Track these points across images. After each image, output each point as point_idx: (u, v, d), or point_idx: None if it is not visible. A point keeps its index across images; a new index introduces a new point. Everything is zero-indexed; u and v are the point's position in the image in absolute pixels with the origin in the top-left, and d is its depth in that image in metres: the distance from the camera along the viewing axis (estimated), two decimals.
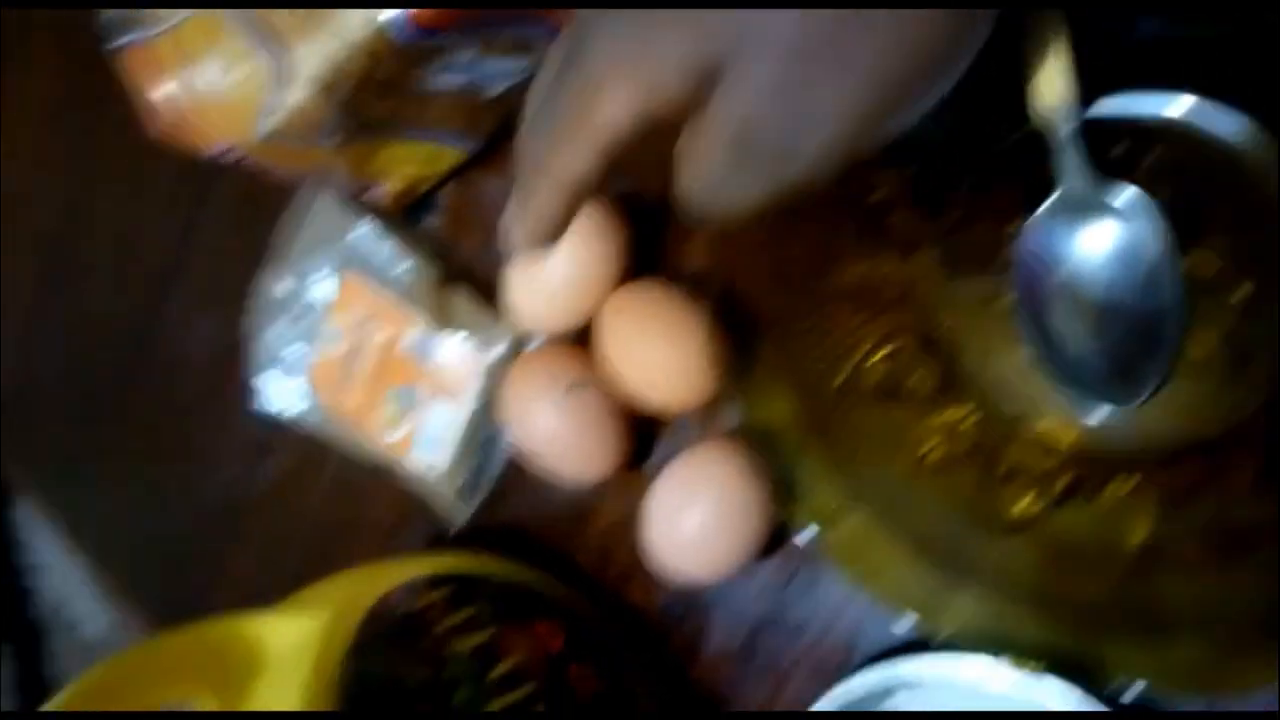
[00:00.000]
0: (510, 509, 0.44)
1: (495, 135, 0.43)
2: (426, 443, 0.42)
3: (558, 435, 0.38)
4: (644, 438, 0.41)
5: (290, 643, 0.35)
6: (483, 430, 0.42)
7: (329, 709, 0.32)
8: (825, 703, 0.36)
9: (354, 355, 0.42)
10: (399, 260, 0.43)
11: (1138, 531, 0.33)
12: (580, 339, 0.40)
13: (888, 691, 0.36)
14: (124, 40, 0.36)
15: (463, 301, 0.42)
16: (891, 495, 0.35)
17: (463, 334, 0.41)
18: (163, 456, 0.55)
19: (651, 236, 0.40)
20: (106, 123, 0.55)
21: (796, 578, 0.38)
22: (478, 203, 0.45)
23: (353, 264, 0.44)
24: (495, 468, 0.44)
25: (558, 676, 0.38)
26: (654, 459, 0.41)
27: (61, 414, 0.60)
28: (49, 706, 0.31)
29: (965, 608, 0.33)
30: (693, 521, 0.36)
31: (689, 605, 0.40)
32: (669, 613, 0.40)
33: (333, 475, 0.49)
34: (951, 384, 0.35)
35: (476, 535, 0.45)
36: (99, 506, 0.59)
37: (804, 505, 0.35)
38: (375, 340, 0.42)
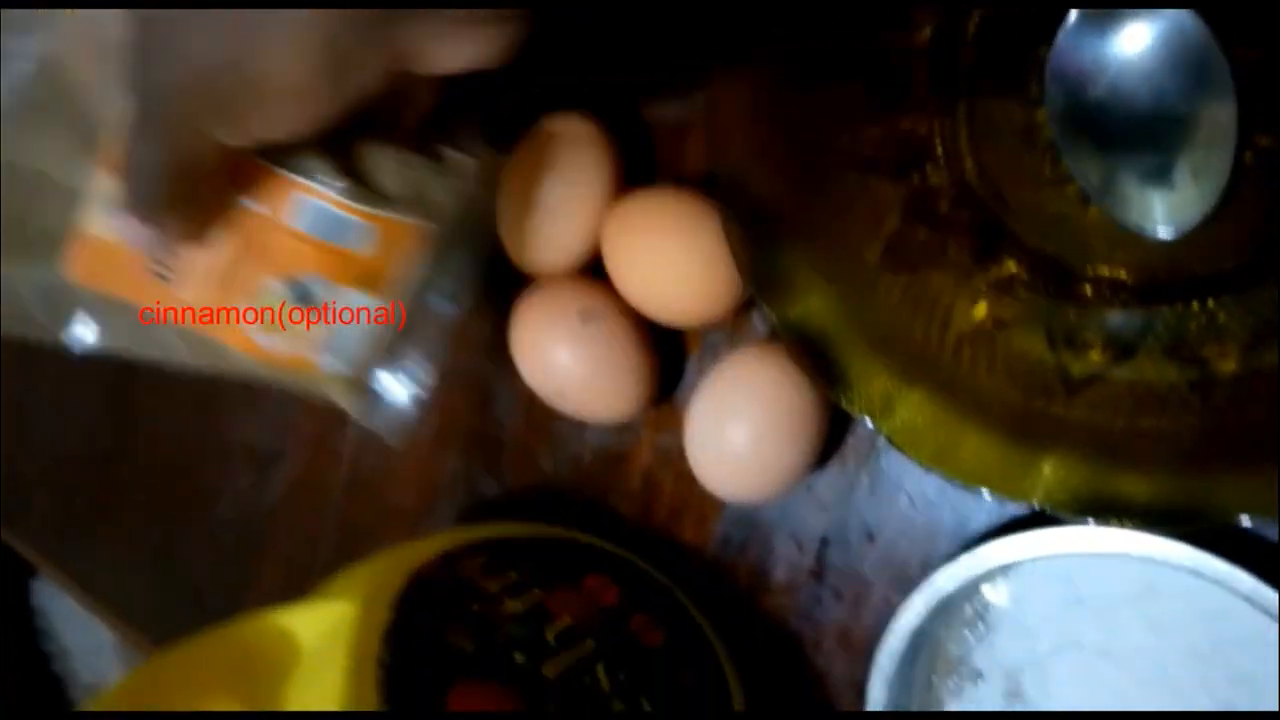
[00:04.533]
0: (538, 469, 0.41)
1: None
2: (341, 346, 0.31)
3: (579, 370, 0.35)
4: (671, 365, 0.38)
5: (323, 630, 0.32)
6: (422, 299, 0.33)
7: (374, 691, 0.29)
8: (912, 608, 0.32)
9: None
10: None
11: (1227, 362, 0.30)
12: (587, 272, 0.37)
13: (978, 584, 0.33)
14: None
15: (383, 156, 0.30)
16: (947, 370, 0.32)
17: (390, 203, 0.30)
18: (165, 494, 0.53)
19: (643, 147, 0.37)
20: None
21: (859, 482, 0.35)
22: None
23: None
24: (439, 343, 0.34)
25: (617, 630, 0.35)
26: (685, 385, 0.38)
27: (54, 478, 0.57)
28: None
29: (1049, 475, 0.30)
30: (739, 437, 0.33)
31: (748, 532, 0.37)
32: (728, 544, 0.37)
33: (348, 470, 0.46)
34: (995, 239, 0.32)
35: (507, 503, 0.42)
36: (111, 565, 0.56)
37: (855, 398, 0.32)
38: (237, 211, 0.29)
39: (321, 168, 0.29)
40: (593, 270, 0.36)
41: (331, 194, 0.29)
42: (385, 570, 0.34)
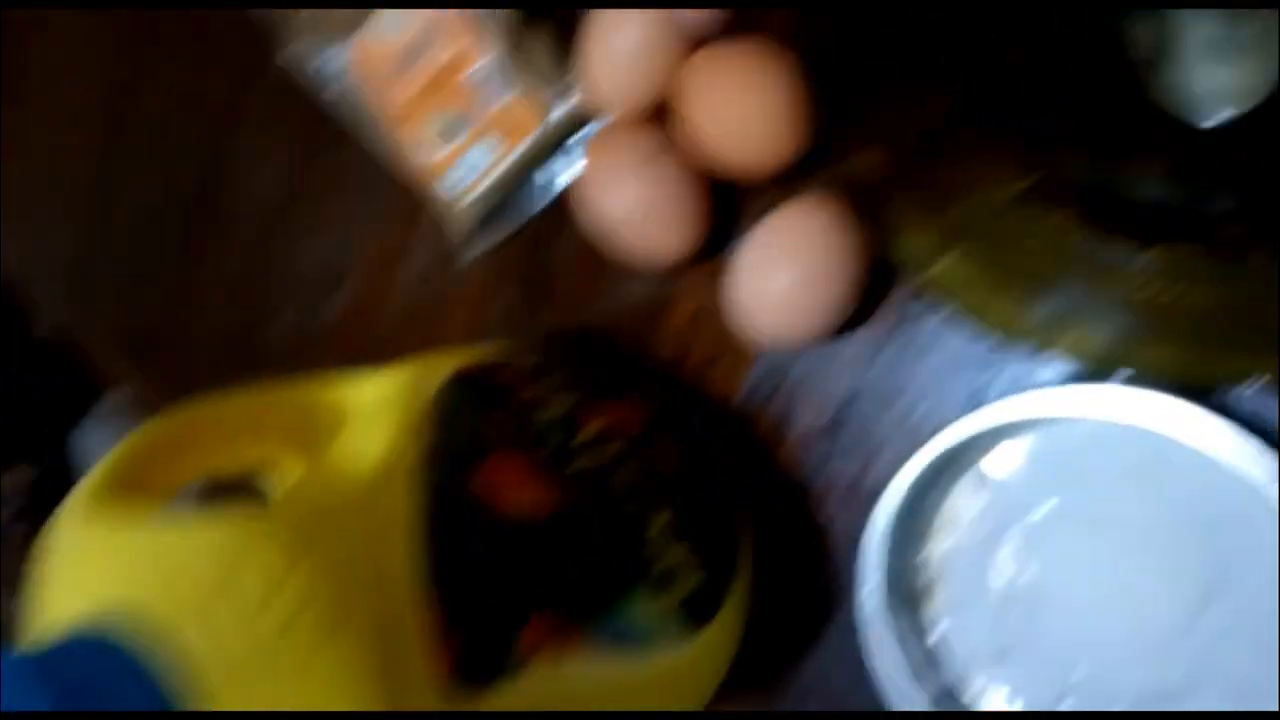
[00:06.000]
0: (582, 312, 0.43)
1: None
2: (464, 172, 0.42)
3: (637, 205, 0.37)
4: (726, 221, 0.40)
5: (373, 399, 0.34)
6: (520, 179, 0.42)
7: (415, 456, 0.31)
8: (916, 462, 0.34)
9: (412, 56, 0.41)
10: None
11: (1256, 255, 0.31)
12: (658, 117, 0.39)
13: (982, 447, 0.35)
14: None
15: (542, 45, 0.41)
16: (991, 228, 0.33)
17: (533, 83, 0.40)
18: (221, 316, 0.55)
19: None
20: None
21: (887, 345, 0.37)
22: None
23: None
24: (522, 214, 0.43)
25: (644, 445, 0.37)
26: (731, 248, 0.40)
27: (127, 286, 0.60)
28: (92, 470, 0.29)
29: (1075, 333, 0.32)
30: (783, 279, 0.35)
31: (776, 385, 0.39)
32: (754, 395, 0.39)
33: (401, 303, 0.48)
34: (1044, 124, 0.34)
35: (548, 341, 0.44)
36: (165, 385, 0.58)
37: (899, 249, 0.34)
38: (439, 53, 0.41)
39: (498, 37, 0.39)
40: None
41: (497, 57, 0.39)
42: (436, 363, 0.36)
